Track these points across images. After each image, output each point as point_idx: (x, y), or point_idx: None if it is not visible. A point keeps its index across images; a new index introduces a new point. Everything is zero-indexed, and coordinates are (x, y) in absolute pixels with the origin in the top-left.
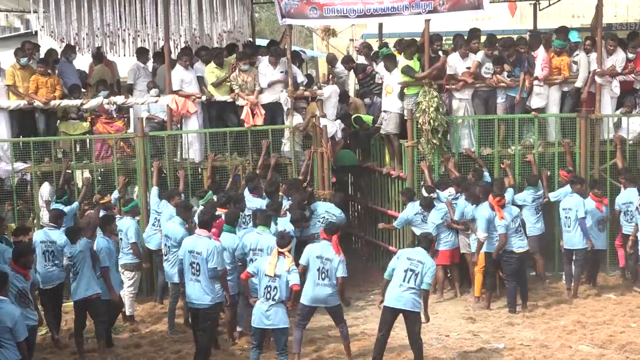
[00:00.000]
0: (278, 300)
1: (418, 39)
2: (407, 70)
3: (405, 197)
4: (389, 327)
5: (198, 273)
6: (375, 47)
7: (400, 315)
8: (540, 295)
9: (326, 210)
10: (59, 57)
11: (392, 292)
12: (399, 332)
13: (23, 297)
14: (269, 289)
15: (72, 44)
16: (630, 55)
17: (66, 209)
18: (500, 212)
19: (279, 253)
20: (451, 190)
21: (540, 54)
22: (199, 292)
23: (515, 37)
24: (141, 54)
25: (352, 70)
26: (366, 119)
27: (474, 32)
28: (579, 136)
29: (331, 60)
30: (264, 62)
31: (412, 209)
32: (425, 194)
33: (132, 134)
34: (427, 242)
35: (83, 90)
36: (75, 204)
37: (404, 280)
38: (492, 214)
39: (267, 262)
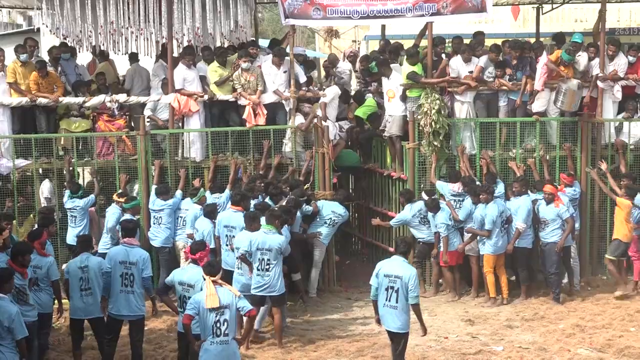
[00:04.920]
0: (230, 336)
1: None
2: (413, 76)
3: (403, 198)
4: None
5: (132, 284)
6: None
7: None
8: (540, 300)
9: (332, 210)
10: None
11: (381, 313)
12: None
13: (21, 294)
14: (217, 324)
15: (75, 41)
16: (631, 59)
17: (81, 201)
18: (559, 199)
19: (213, 282)
20: (455, 187)
21: (542, 60)
22: (133, 303)
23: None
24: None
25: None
26: (367, 108)
27: (478, 37)
28: (580, 140)
29: (332, 60)
30: (267, 62)
31: (410, 210)
32: (425, 197)
33: (133, 132)
34: (406, 247)
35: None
36: (92, 197)
37: (386, 300)
38: (531, 207)
39: (204, 296)
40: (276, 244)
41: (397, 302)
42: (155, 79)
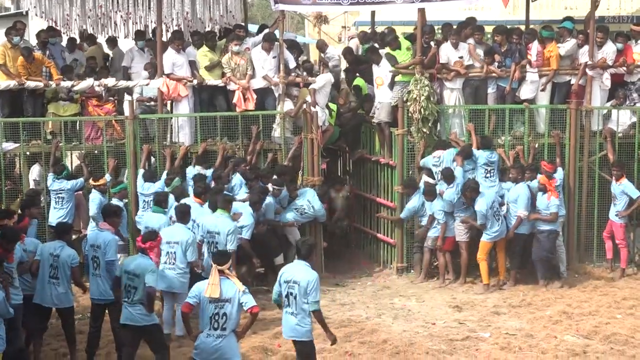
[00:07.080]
0: (229, 330)
1: (412, 28)
2: (388, 58)
3: (409, 188)
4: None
5: (99, 267)
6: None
7: None
8: (528, 287)
9: (307, 200)
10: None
11: (283, 320)
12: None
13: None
14: (216, 317)
15: (63, 24)
16: (619, 46)
17: (69, 184)
18: (554, 192)
19: (219, 272)
20: (438, 153)
21: (534, 46)
22: (102, 287)
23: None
24: (138, 36)
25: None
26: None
27: (468, 21)
28: (569, 128)
29: (321, 46)
30: (257, 47)
31: (419, 199)
32: (428, 179)
33: (122, 116)
34: (307, 249)
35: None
36: (81, 180)
37: (288, 306)
38: (529, 193)
39: (205, 284)
40: (225, 229)
41: (296, 308)
42: (137, 64)
